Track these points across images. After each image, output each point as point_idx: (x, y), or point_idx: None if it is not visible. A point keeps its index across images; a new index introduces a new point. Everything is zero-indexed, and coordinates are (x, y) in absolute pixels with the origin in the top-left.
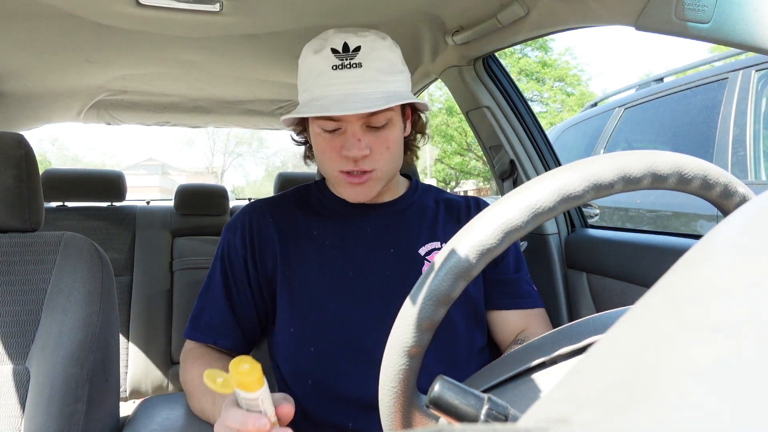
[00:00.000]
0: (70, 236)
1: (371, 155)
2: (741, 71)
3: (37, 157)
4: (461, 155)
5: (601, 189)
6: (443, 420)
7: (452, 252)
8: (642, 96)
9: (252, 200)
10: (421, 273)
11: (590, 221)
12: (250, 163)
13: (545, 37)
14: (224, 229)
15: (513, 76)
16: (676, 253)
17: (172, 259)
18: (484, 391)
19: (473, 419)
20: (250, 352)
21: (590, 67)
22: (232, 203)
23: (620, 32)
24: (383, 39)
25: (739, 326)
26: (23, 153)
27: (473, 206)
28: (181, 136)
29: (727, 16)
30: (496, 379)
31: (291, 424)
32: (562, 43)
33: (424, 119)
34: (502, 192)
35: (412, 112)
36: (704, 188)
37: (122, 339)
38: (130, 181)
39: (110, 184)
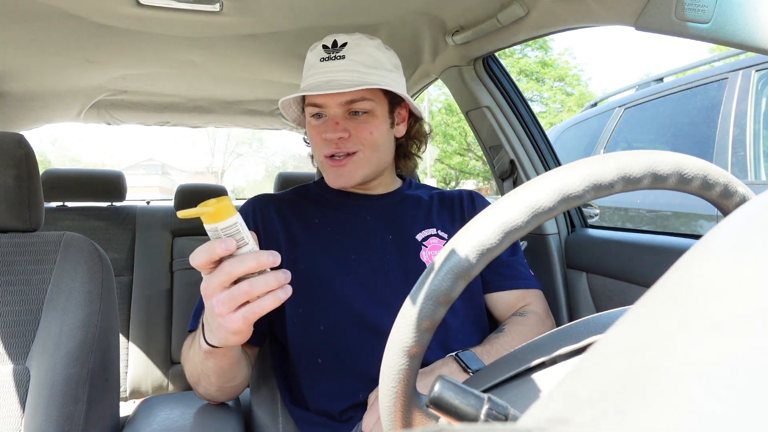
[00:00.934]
0: (70, 236)
1: (351, 138)
2: (741, 71)
3: (37, 157)
4: (461, 155)
5: (601, 189)
6: (443, 420)
7: (452, 252)
8: (642, 96)
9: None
10: (418, 256)
11: (590, 221)
12: (251, 163)
13: (545, 37)
14: None
15: (513, 76)
16: (676, 253)
17: (172, 259)
18: (484, 391)
19: (473, 419)
20: (255, 343)
21: (590, 67)
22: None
23: (620, 32)
24: (371, 39)
25: (739, 326)
26: (23, 153)
27: (466, 197)
28: (181, 136)
29: (727, 16)
30: (496, 379)
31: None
32: (562, 43)
33: (427, 129)
34: (502, 192)
35: (409, 117)
36: (704, 188)
37: (122, 339)
38: (130, 181)
39: (110, 184)
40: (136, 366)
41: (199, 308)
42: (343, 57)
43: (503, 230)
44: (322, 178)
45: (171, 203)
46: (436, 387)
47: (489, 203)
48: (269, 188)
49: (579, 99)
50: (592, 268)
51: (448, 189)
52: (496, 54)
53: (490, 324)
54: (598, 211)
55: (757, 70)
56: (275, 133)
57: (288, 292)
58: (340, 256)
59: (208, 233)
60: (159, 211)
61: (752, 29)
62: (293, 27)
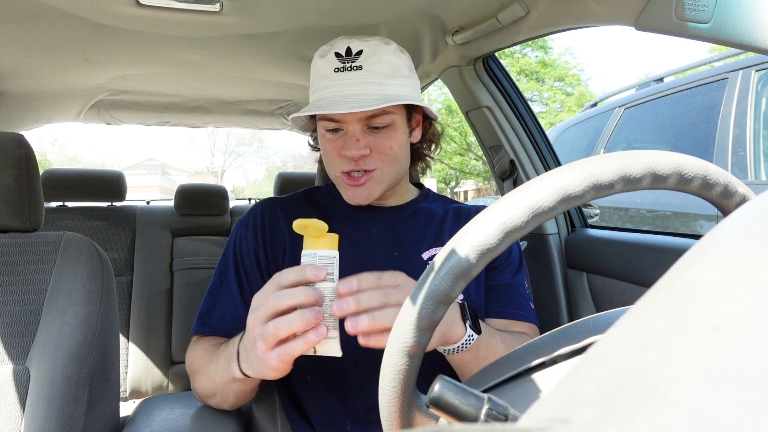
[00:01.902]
0: (70, 236)
1: (371, 155)
2: (741, 71)
3: (37, 157)
4: (461, 155)
5: (601, 189)
6: (443, 420)
7: (452, 252)
8: (642, 96)
9: (253, 199)
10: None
11: (590, 221)
12: (251, 163)
13: (545, 37)
14: (235, 226)
15: (513, 76)
16: (676, 253)
17: (172, 259)
18: (484, 391)
19: (473, 419)
20: None
21: (590, 67)
22: (232, 203)
23: (620, 32)
24: (387, 44)
25: (739, 326)
26: (23, 153)
27: None
28: (181, 136)
29: (727, 16)
30: (496, 379)
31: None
32: (562, 43)
33: (439, 129)
34: (502, 192)
35: (423, 120)
36: (704, 188)
37: (122, 339)
38: (130, 181)
39: (110, 184)
40: (136, 366)
41: (206, 310)
42: (360, 67)
43: (503, 230)
44: (333, 183)
45: (171, 203)
46: (436, 387)
47: None
48: (269, 188)
49: (579, 99)
50: (592, 268)
51: (449, 189)
52: (496, 54)
53: None
54: (598, 211)
55: (757, 70)
56: (275, 133)
57: (320, 334)
58: (342, 270)
59: (303, 255)
60: (159, 211)
61: (752, 29)
62: (293, 27)
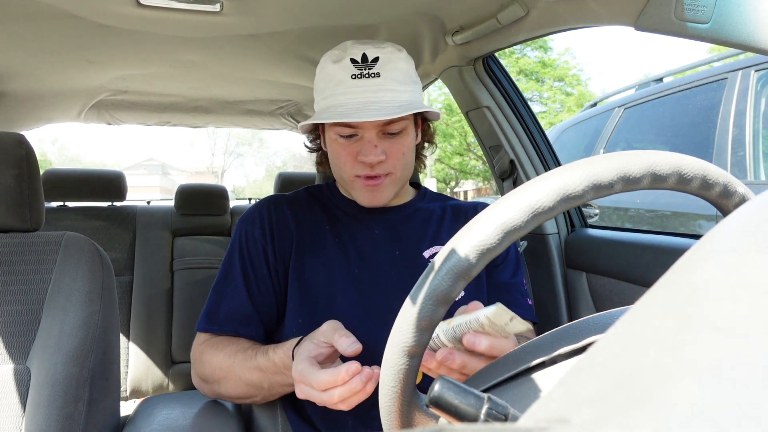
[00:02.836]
0: (70, 236)
1: (387, 160)
2: (740, 71)
3: (38, 157)
4: (461, 155)
5: (600, 189)
6: (443, 420)
7: (452, 252)
8: (641, 96)
9: (253, 199)
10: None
11: (590, 221)
12: (251, 163)
13: (545, 37)
14: (240, 222)
15: (513, 76)
16: (675, 253)
17: (173, 258)
18: (484, 391)
19: (473, 419)
20: (267, 343)
21: (590, 67)
22: (232, 203)
23: (620, 32)
24: (399, 51)
25: (739, 326)
26: (24, 153)
27: (480, 210)
28: (181, 136)
29: (726, 16)
30: (496, 378)
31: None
32: (562, 43)
33: (432, 129)
34: (502, 192)
35: (422, 121)
36: (704, 188)
37: (123, 339)
38: (130, 181)
39: (111, 184)
40: (136, 365)
41: (212, 307)
42: (378, 75)
43: (503, 230)
44: (334, 182)
45: (171, 203)
46: (436, 387)
47: None
48: (269, 188)
49: (579, 99)
50: (591, 267)
51: (449, 189)
52: (496, 54)
53: None
54: (597, 210)
55: (756, 70)
56: (275, 133)
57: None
58: (344, 270)
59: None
60: (159, 210)
61: (752, 29)
62: (293, 27)
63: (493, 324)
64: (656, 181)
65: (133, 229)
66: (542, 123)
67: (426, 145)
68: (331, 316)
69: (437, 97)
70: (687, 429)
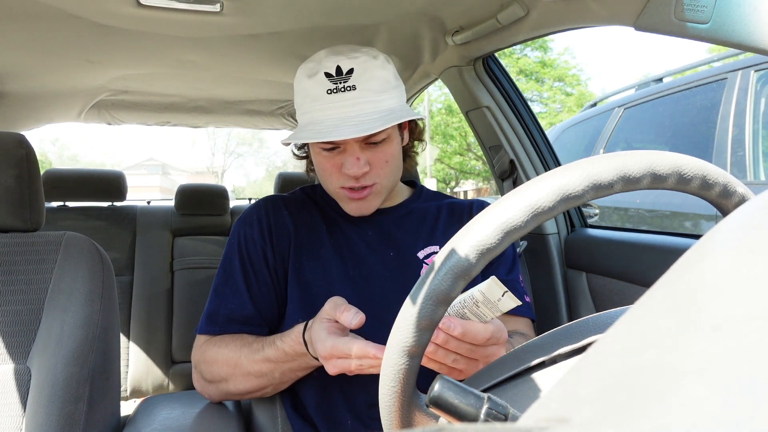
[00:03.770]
0: (71, 236)
1: (371, 170)
2: (740, 71)
3: (38, 157)
4: (461, 155)
5: (600, 189)
6: (443, 419)
7: (452, 252)
8: (641, 96)
9: (253, 199)
10: (418, 275)
11: (590, 221)
12: (251, 163)
13: (545, 37)
14: (237, 224)
15: (512, 76)
16: (675, 253)
17: (173, 258)
18: (484, 391)
19: (473, 419)
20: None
21: (590, 67)
22: (232, 203)
23: (620, 32)
24: (375, 58)
25: (739, 326)
26: (24, 153)
27: (476, 208)
28: (182, 136)
29: (726, 16)
30: (496, 378)
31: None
32: (562, 43)
33: (422, 125)
34: (502, 192)
35: (409, 122)
36: (703, 188)
37: (123, 338)
38: (130, 181)
39: (111, 184)
40: (136, 365)
41: (213, 309)
42: (354, 87)
43: (503, 230)
44: None
45: (172, 203)
46: (436, 387)
47: None
48: (269, 188)
49: (579, 99)
50: (591, 267)
51: (449, 189)
52: (496, 54)
53: None
54: (597, 210)
55: (756, 70)
56: (276, 133)
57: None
58: (341, 271)
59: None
60: (159, 210)
61: (751, 29)
62: (293, 27)
63: (487, 300)
64: (656, 181)
65: (133, 229)
66: (542, 123)
67: (416, 143)
68: None
69: (437, 97)
70: (687, 429)
